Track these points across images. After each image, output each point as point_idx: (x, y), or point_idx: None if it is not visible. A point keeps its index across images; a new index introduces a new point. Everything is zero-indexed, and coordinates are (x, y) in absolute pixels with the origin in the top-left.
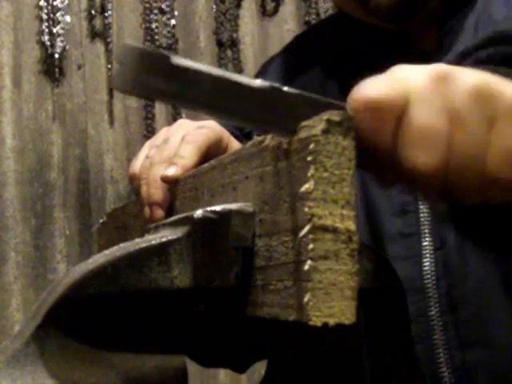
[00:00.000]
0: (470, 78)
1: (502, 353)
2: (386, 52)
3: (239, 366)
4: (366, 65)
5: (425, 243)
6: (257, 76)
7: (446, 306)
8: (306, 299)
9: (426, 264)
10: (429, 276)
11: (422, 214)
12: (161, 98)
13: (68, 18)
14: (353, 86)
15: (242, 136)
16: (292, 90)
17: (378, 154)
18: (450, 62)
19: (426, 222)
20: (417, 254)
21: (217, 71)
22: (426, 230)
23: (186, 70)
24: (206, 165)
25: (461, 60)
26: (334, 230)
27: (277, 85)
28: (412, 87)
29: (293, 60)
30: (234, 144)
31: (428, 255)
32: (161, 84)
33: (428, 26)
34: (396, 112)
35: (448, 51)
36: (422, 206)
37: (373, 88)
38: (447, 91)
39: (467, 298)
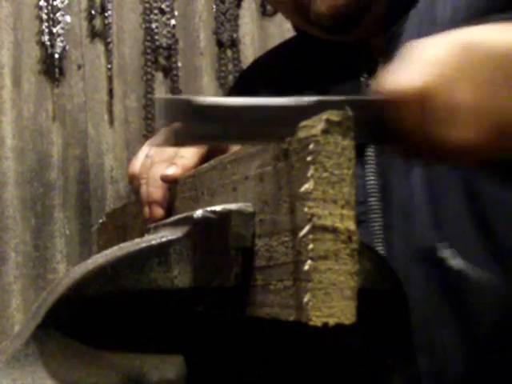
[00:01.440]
0: (488, 41)
1: (446, 359)
2: (337, 63)
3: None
4: (319, 78)
5: None
6: (229, 94)
7: None
8: (305, 299)
9: None
10: None
11: (373, 224)
12: (197, 143)
13: (68, 18)
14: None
15: None
16: (322, 98)
17: (406, 133)
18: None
19: (376, 233)
20: None
21: (241, 101)
22: (377, 241)
23: (213, 109)
24: (205, 165)
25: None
26: (334, 230)
27: (302, 98)
28: (435, 68)
29: (249, 85)
30: (235, 146)
31: None
32: (195, 129)
33: (376, 33)
34: (424, 96)
35: (394, 54)
36: (373, 216)
37: (398, 78)
38: (469, 63)
39: (413, 305)
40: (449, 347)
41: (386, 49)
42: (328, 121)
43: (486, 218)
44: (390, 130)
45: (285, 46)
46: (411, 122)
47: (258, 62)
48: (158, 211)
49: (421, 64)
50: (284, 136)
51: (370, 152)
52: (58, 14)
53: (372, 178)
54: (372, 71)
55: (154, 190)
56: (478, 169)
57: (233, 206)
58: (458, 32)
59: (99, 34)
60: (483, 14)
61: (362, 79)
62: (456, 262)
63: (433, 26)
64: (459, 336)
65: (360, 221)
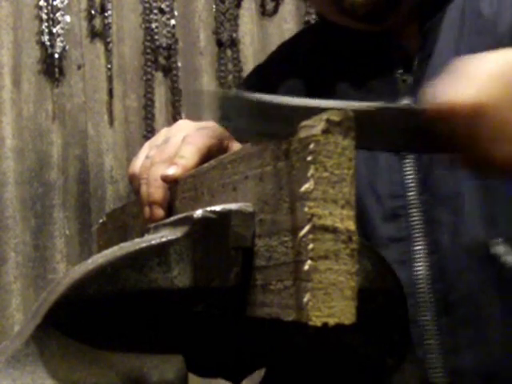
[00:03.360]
0: None
1: (495, 355)
2: (368, 56)
3: (235, 376)
4: (349, 71)
5: (417, 247)
6: (240, 86)
7: (441, 310)
8: (305, 299)
9: (419, 268)
10: (423, 281)
11: (413, 219)
12: (248, 137)
13: (68, 18)
14: (338, 92)
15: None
16: (362, 104)
17: (456, 145)
18: (476, 32)
19: (417, 227)
20: (409, 259)
21: (292, 100)
22: (418, 235)
23: (263, 104)
24: (205, 165)
25: (482, 30)
26: (334, 230)
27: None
28: (489, 84)
29: (274, 70)
30: (235, 145)
31: (422, 260)
32: (243, 123)
33: (409, 26)
34: (476, 111)
35: (430, 50)
36: (413, 211)
37: (451, 91)
38: None
39: (462, 301)
40: (498, 345)
41: (422, 43)
42: (328, 121)
43: None
44: (440, 141)
45: (305, 37)
46: (462, 135)
47: (277, 53)
48: (158, 211)
49: (476, 79)
50: None
51: None
52: (57, 14)
53: (410, 172)
54: (407, 66)
55: (155, 190)
56: None
57: (233, 206)
58: (506, 52)
59: (99, 34)
60: None
61: (398, 75)
62: (509, 258)
63: (478, 19)
64: (509, 334)
65: (399, 214)
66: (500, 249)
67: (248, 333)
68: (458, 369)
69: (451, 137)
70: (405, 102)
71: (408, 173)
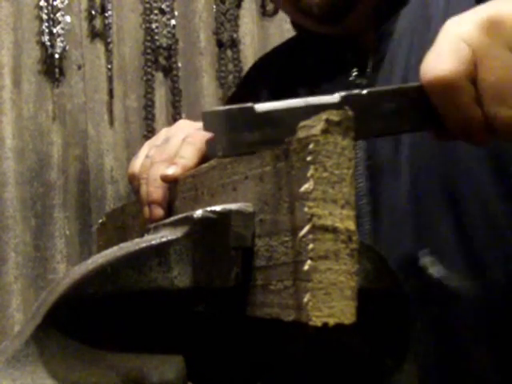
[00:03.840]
0: None
1: (424, 366)
2: (326, 59)
3: None
4: (310, 75)
5: None
6: (228, 102)
7: None
8: (305, 299)
9: None
10: None
11: (361, 228)
12: (260, 148)
13: (68, 18)
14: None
15: None
16: (369, 89)
17: (457, 117)
18: (424, 39)
19: (365, 237)
20: None
21: (299, 102)
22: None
23: (271, 114)
24: (205, 165)
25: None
26: (334, 230)
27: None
28: (473, 47)
29: (249, 89)
30: None
31: None
32: (254, 136)
33: (366, 30)
34: (468, 78)
35: (383, 54)
36: (362, 220)
37: (439, 64)
38: (504, 36)
39: None
40: (427, 358)
41: (376, 47)
42: (328, 121)
43: (466, 224)
44: (434, 115)
45: (285, 46)
46: (458, 103)
47: (258, 64)
48: (158, 211)
49: (460, 44)
50: None
51: (360, 155)
52: (58, 14)
53: (361, 180)
54: (362, 69)
55: (154, 190)
56: None
57: (233, 206)
58: (483, 8)
59: (99, 34)
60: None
61: (351, 78)
62: (436, 269)
63: (427, 23)
64: (435, 345)
65: None
66: (426, 260)
67: (248, 334)
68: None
69: (453, 108)
70: None
71: (359, 181)
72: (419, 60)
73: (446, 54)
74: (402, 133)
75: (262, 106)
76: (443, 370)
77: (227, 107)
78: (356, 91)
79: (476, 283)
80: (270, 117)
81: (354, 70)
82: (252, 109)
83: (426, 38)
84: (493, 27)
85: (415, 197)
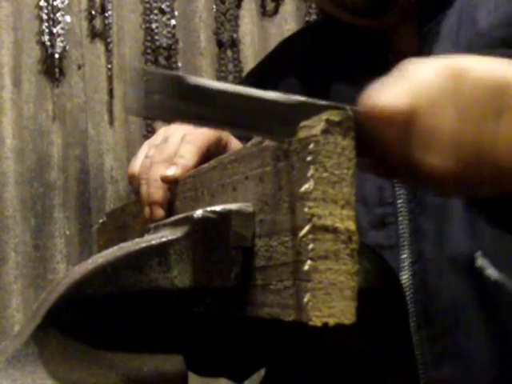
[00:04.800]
0: (480, 72)
1: (475, 368)
2: (365, 55)
3: (237, 376)
4: (346, 69)
5: (403, 256)
6: (241, 84)
7: (422, 321)
8: (305, 299)
9: (403, 277)
10: (406, 289)
11: (401, 227)
12: (178, 119)
13: (68, 18)
14: (333, 90)
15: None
16: (305, 99)
17: (384, 150)
18: (469, 41)
19: (404, 235)
20: (395, 267)
21: (233, 87)
22: (405, 243)
23: (201, 89)
24: (205, 165)
25: (475, 41)
26: (334, 230)
27: (294, 96)
28: (422, 90)
29: (273, 68)
30: (234, 144)
31: (406, 268)
32: (178, 105)
33: (407, 28)
34: (406, 118)
35: (428, 54)
36: (401, 219)
37: (384, 95)
38: (456, 90)
39: (442, 313)
40: (477, 358)
41: (419, 46)
42: (328, 121)
43: None
44: (368, 144)
45: (304, 35)
46: (391, 140)
47: (275, 51)
48: (159, 212)
49: (410, 84)
50: (272, 130)
51: None
52: (58, 14)
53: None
54: None
55: (154, 190)
56: (454, 196)
57: (233, 206)
58: (452, 58)
59: (99, 34)
60: None
61: None
62: (492, 272)
63: (473, 27)
64: (489, 347)
65: (387, 222)
66: (483, 262)
67: (248, 333)
68: (436, 381)
69: (380, 141)
70: None
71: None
72: None
73: (395, 89)
74: None
75: (194, 79)
76: (490, 370)
77: (159, 70)
78: (302, 99)
79: None
80: (199, 92)
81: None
82: (182, 78)
83: (471, 42)
84: (450, 80)
85: None
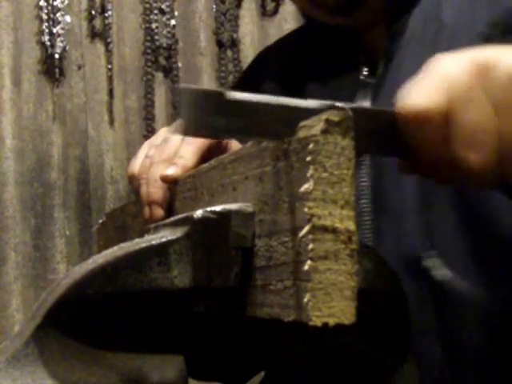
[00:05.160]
0: (508, 61)
1: (429, 368)
2: (338, 56)
3: (235, 380)
4: (320, 70)
5: None
6: (233, 89)
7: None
8: (305, 299)
9: None
10: None
11: (363, 227)
12: (221, 135)
13: (68, 18)
14: (306, 91)
15: None
16: (350, 105)
17: (422, 149)
18: (434, 38)
19: (367, 236)
20: None
21: (271, 99)
22: (368, 243)
23: (242, 104)
24: (205, 165)
25: (440, 38)
26: (334, 230)
27: (333, 102)
28: (454, 87)
29: (252, 74)
30: (234, 143)
31: None
32: (219, 121)
33: (377, 28)
34: (443, 117)
35: (394, 52)
36: (363, 219)
37: (417, 95)
38: (489, 83)
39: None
40: (432, 359)
41: (387, 46)
42: (328, 121)
43: (473, 226)
44: (407, 146)
45: (290, 38)
46: (430, 140)
47: (261, 55)
48: (158, 211)
49: (441, 81)
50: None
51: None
52: (58, 14)
53: (364, 179)
54: (372, 68)
55: (154, 190)
56: (492, 190)
57: (233, 206)
58: (477, 50)
59: (99, 34)
60: (488, 23)
61: (362, 76)
62: (441, 272)
63: (438, 26)
64: (442, 349)
65: None
66: (432, 262)
67: (248, 333)
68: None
69: (417, 140)
70: (364, 103)
71: (362, 180)
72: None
73: (428, 89)
74: (369, 153)
75: (233, 94)
76: (445, 372)
77: (198, 87)
78: (339, 104)
79: (481, 288)
80: (239, 106)
81: (365, 68)
82: (222, 94)
83: (436, 41)
84: (481, 74)
85: (421, 194)
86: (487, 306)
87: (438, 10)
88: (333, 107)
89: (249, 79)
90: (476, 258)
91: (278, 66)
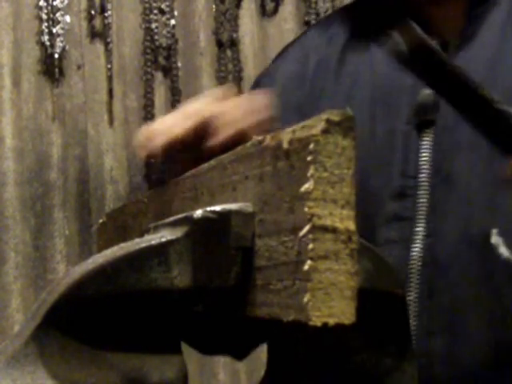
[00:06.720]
0: None
1: (466, 345)
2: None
3: (238, 353)
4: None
5: (417, 229)
6: (275, 60)
7: (424, 294)
8: (305, 299)
9: (414, 250)
10: (414, 262)
11: (419, 200)
12: None
13: (68, 18)
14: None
15: None
16: None
17: None
18: None
19: (421, 208)
20: (407, 239)
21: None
22: (421, 216)
23: None
24: (205, 165)
25: None
26: (334, 230)
27: None
28: None
29: (318, 34)
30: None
31: (418, 241)
32: None
33: (454, 8)
34: None
35: (470, 40)
36: (420, 192)
37: None
38: None
39: (446, 287)
40: (471, 335)
41: (464, 29)
42: (328, 121)
43: None
44: None
45: (344, 10)
46: None
47: (312, 30)
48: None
49: None
50: None
51: (429, 129)
52: (57, 14)
53: (426, 153)
54: (444, 47)
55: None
56: None
57: (233, 206)
58: None
59: (99, 34)
60: None
61: None
62: (504, 250)
63: None
64: (487, 324)
65: (406, 194)
66: (497, 239)
67: (248, 334)
68: (427, 352)
69: None
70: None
71: (424, 154)
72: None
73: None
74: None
75: None
76: (484, 348)
77: None
78: None
79: None
80: None
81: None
82: None
83: None
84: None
85: (493, 177)
86: None
87: None
88: None
89: (311, 38)
90: None
91: (338, 36)
